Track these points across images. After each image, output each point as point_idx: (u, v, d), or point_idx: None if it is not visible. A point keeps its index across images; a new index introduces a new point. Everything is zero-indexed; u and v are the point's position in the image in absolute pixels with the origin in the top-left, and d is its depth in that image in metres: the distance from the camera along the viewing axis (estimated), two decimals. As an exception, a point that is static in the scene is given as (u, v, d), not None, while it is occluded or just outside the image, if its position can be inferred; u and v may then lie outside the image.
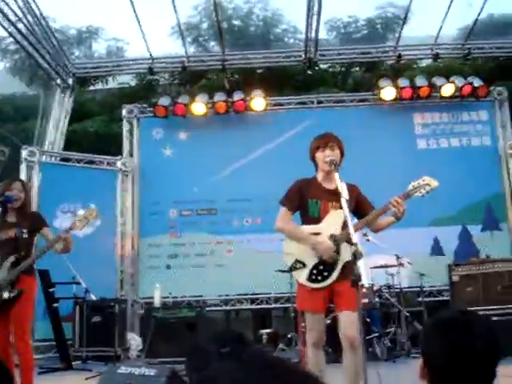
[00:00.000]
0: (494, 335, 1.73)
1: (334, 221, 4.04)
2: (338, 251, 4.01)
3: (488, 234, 9.61)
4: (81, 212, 4.88)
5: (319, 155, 4.19)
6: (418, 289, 8.47)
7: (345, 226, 3.85)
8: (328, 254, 3.98)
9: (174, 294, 9.03)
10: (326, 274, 4.01)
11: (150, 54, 10.31)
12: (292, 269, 4.11)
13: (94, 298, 7.40)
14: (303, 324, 7.55)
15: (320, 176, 4.25)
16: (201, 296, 9.47)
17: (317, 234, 4.07)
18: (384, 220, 4.19)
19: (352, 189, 4.18)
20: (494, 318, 6.64)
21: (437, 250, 9.57)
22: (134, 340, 7.96)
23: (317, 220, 4.11)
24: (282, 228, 4.22)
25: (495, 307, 6.79)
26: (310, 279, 4.02)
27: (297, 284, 4.18)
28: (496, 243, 9.46)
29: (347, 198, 3.96)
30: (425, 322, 1.93)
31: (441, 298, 9.19)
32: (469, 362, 1.61)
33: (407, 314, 7.76)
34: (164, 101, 9.87)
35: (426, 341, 1.70)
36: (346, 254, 3.92)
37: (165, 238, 9.76)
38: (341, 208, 3.87)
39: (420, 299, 8.56)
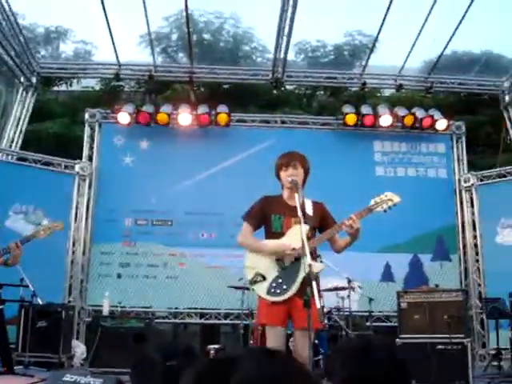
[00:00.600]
0: (394, 360, 1.72)
1: (296, 235, 4.08)
2: (298, 265, 4.05)
3: (438, 264, 9.82)
4: (45, 222, 4.84)
5: (282, 174, 4.27)
6: (367, 313, 8.58)
7: (307, 240, 3.91)
8: (288, 259, 4.04)
9: (122, 303, 8.91)
10: (285, 287, 4.05)
11: (118, 60, 10.23)
12: (252, 282, 4.14)
13: (40, 302, 7.21)
14: (251, 342, 7.56)
15: (285, 193, 4.33)
16: (150, 307, 9.37)
17: None
18: (342, 240, 4.26)
19: (317, 206, 4.26)
20: (440, 347, 6.79)
21: (387, 276, 9.72)
22: (79, 348, 7.80)
23: (279, 235, 4.18)
24: (244, 242, 4.27)
25: (441, 336, 6.92)
26: (269, 292, 4.06)
27: (257, 298, 4.20)
28: (445, 273, 9.69)
29: (311, 214, 4.02)
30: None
31: (389, 324, 9.32)
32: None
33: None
34: (128, 108, 9.80)
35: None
36: (305, 270, 3.96)
37: (118, 246, 9.64)
38: (304, 223, 3.93)
39: (368, 324, 8.66)
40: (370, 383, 1.59)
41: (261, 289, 4.11)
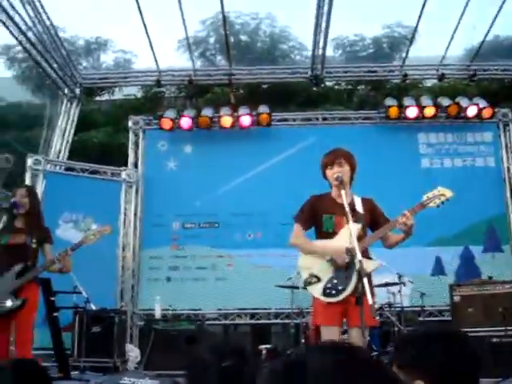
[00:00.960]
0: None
1: (348, 235, 4.04)
2: (352, 265, 4.01)
3: (490, 256, 9.59)
4: (94, 227, 4.93)
5: (328, 172, 4.24)
6: (419, 308, 8.45)
7: (360, 238, 3.88)
8: (341, 259, 4.00)
9: (173, 306, 9.00)
10: (340, 288, 4.02)
11: (158, 67, 10.36)
12: (307, 283, 4.13)
13: (94, 308, 7.37)
14: (303, 341, 7.54)
15: (333, 191, 4.29)
16: (200, 309, 9.45)
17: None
18: (396, 236, 4.21)
19: (367, 202, 4.22)
20: (495, 340, 6.62)
21: (438, 269, 9.54)
22: (133, 352, 7.92)
23: (331, 234, 4.15)
24: (295, 243, 4.26)
25: (496, 328, 6.75)
26: (324, 293, 4.04)
27: (312, 299, 4.19)
28: (498, 265, 9.44)
29: (361, 211, 3.99)
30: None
31: (441, 318, 9.15)
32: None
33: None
34: (170, 114, 9.90)
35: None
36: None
37: (166, 250, 9.75)
38: (355, 222, 3.89)
39: (421, 319, 8.53)
40: (463, 376, 1.57)
41: (316, 290, 4.09)
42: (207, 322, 8.94)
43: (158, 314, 7.71)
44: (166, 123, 9.84)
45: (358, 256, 3.65)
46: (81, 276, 7.31)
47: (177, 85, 12.71)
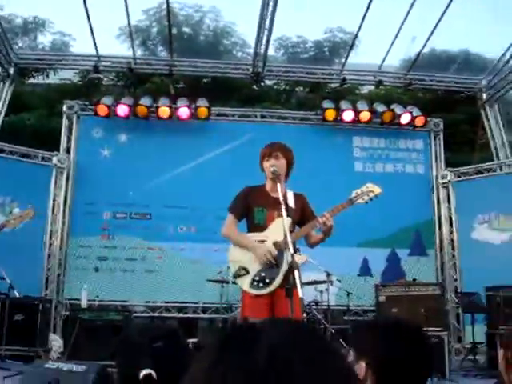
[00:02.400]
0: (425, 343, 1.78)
1: (278, 228, 4.09)
2: (280, 258, 4.06)
3: (415, 259, 9.93)
4: (17, 211, 4.77)
5: (265, 164, 4.25)
6: (345, 307, 8.64)
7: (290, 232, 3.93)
8: (264, 254, 4.02)
9: (100, 297, 8.84)
10: (267, 281, 4.05)
11: (97, 52, 10.14)
12: (235, 276, 4.14)
13: (17, 295, 7.13)
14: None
15: (268, 184, 4.32)
16: (128, 301, 9.32)
17: (262, 241, 4.13)
18: (316, 236, 4.29)
19: (299, 198, 4.27)
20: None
21: (365, 270, 9.80)
22: (56, 341, 7.71)
23: (262, 228, 4.18)
24: (228, 235, 4.27)
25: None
26: (252, 286, 4.06)
27: (241, 291, 4.20)
28: (422, 268, 9.81)
29: (293, 206, 4.03)
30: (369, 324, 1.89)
31: (366, 318, 9.39)
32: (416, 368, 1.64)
33: (333, 331, 7.88)
34: (107, 100, 9.71)
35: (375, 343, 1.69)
36: (288, 262, 3.97)
37: (96, 239, 9.56)
38: (287, 216, 3.93)
39: (346, 318, 8.73)
40: (403, 363, 1.61)
41: (244, 282, 4.11)
42: (134, 315, 8.82)
43: (84, 303, 7.54)
44: (102, 110, 9.64)
45: (291, 249, 3.69)
46: (5, 262, 7.07)
47: (115, 72, 12.49)
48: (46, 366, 2.65)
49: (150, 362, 1.77)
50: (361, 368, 1.60)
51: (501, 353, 1.94)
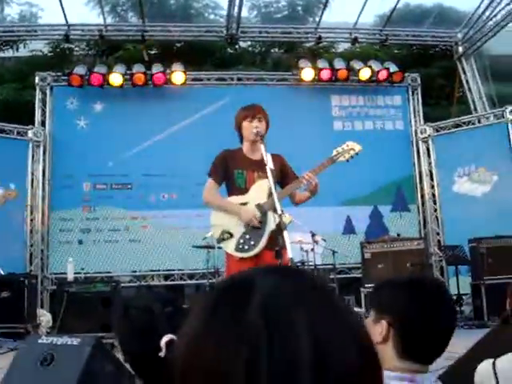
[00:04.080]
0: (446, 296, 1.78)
1: (259, 190, 4.06)
2: (264, 220, 4.04)
3: (397, 215, 10.02)
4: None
5: (246, 125, 4.18)
6: (331, 266, 8.72)
7: (270, 195, 3.90)
8: (251, 219, 4.00)
9: (86, 269, 8.81)
10: (252, 243, 4.02)
11: (67, 21, 9.87)
12: (219, 240, 4.10)
13: (2, 272, 7.07)
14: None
15: (245, 147, 4.26)
16: (113, 272, 9.30)
17: (244, 203, 4.09)
18: (302, 194, 4.27)
19: (277, 159, 4.22)
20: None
21: (349, 228, 9.87)
22: (45, 316, 7.69)
23: (243, 190, 4.13)
24: (209, 200, 4.22)
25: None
26: (237, 249, 4.03)
27: (225, 255, 4.19)
28: (405, 223, 9.92)
29: (272, 167, 4.00)
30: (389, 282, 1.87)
31: (352, 275, 9.50)
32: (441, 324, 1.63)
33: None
34: (80, 70, 9.49)
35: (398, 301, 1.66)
36: (272, 224, 3.95)
37: (77, 211, 9.46)
38: (266, 178, 3.89)
39: (332, 276, 8.81)
40: (427, 319, 1.59)
41: (229, 246, 4.08)
42: (123, 285, 8.81)
43: (70, 276, 7.49)
44: (76, 80, 9.43)
45: (279, 210, 3.67)
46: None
47: (87, 40, 12.18)
48: (40, 341, 2.61)
49: (168, 327, 1.73)
50: (382, 326, 1.59)
51: (508, 302, 1.99)
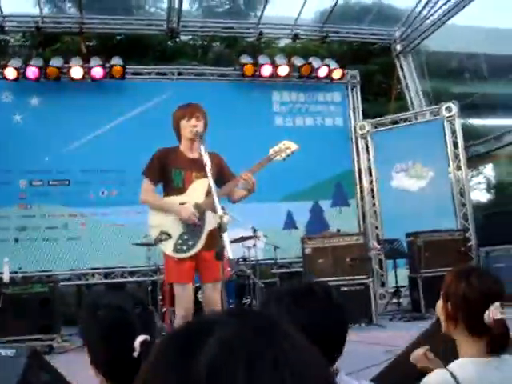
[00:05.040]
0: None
1: (198, 190, 4.06)
2: (202, 220, 4.03)
3: (337, 210, 10.18)
4: None
5: (184, 124, 4.16)
6: (272, 261, 8.79)
7: (207, 194, 3.89)
8: (190, 216, 3.98)
9: (23, 269, 8.57)
10: (191, 243, 4.02)
11: (1, 11, 9.53)
12: (157, 241, 4.07)
13: None
14: (160, 298, 7.54)
15: (183, 145, 4.24)
16: (51, 270, 9.08)
17: (182, 203, 4.07)
18: (239, 192, 4.28)
19: (214, 157, 4.21)
20: (344, 289, 7.10)
21: (290, 223, 9.97)
22: (-21, 317, 7.45)
23: (181, 190, 4.11)
24: (146, 200, 4.18)
25: (345, 278, 7.25)
26: (175, 249, 4.02)
27: (163, 256, 4.16)
28: (344, 218, 10.08)
29: (209, 166, 4.00)
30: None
31: (293, 270, 9.61)
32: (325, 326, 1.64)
33: (262, 286, 8.02)
34: (15, 62, 9.18)
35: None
36: (210, 223, 3.95)
37: (13, 209, 9.16)
38: (204, 177, 3.88)
39: (274, 271, 8.89)
40: (311, 324, 1.59)
41: (167, 247, 4.06)
42: (61, 284, 8.61)
43: (6, 277, 7.26)
44: (11, 72, 9.12)
45: (219, 210, 3.67)
46: None
47: (22, 32, 11.81)
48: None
49: (140, 327, 1.71)
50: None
51: (439, 304, 1.98)
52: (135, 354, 1.64)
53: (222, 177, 4.24)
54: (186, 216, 4.00)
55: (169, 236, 4.04)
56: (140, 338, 1.66)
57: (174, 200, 4.11)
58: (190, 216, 3.99)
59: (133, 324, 1.73)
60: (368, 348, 5.55)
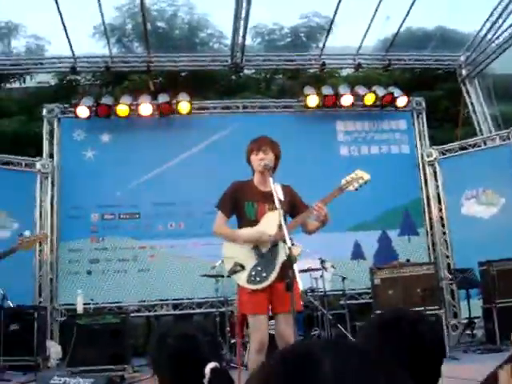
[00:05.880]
0: (439, 333, 1.77)
1: (270, 222, 4.08)
2: (275, 251, 4.05)
3: (406, 239, 9.97)
4: (27, 233, 4.75)
5: (253, 158, 4.23)
6: (341, 292, 8.67)
7: (280, 226, 3.91)
8: (262, 235, 4.02)
9: (95, 300, 8.80)
10: (264, 275, 4.03)
11: (73, 53, 10.01)
12: (231, 272, 4.11)
13: (11, 305, 7.06)
14: (228, 329, 7.56)
15: (256, 178, 4.29)
16: (122, 302, 9.27)
17: None
18: (313, 223, 4.26)
19: (286, 190, 4.24)
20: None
21: (357, 254, 9.83)
22: (54, 348, 7.68)
23: (254, 222, 4.15)
24: (219, 232, 4.24)
25: (415, 309, 7.04)
26: (249, 281, 4.04)
27: (237, 288, 4.19)
28: (413, 247, 9.86)
29: (282, 199, 4.01)
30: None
31: (362, 301, 9.44)
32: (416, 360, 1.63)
33: (330, 317, 7.91)
34: (86, 101, 9.59)
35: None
36: (282, 255, 3.96)
37: (86, 242, 9.47)
38: (276, 209, 3.92)
39: (342, 302, 8.76)
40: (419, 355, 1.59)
41: (241, 278, 4.09)
42: (132, 315, 8.78)
43: (79, 308, 7.48)
44: (83, 111, 9.52)
45: (288, 242, 3.68)
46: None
47: (93, 72, 12.34)
48: (52, 382, 2.60)
49: (210, 355, 1.76)
50: None
51: None
52: (205, 381, 1.67)
53: (295, 208, 4.25)
54: (257, 235, 4.03)
55: (242, 267, 4.07)
56: (210, 365, 1.69)
57: (246, 230, 4.15)
58: (261, 235, 4.03)
59: (202, 352, 1.77)
60: (443, 381, 5.34)
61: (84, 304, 8.08)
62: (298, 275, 3.56)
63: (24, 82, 12.67)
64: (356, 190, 4.26)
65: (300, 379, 0.65)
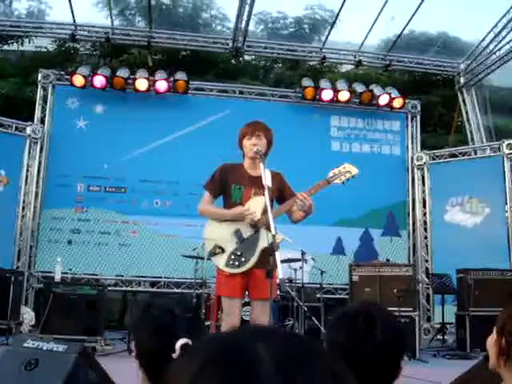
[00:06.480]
0: (396, 327, 1.80)
1: (254, 207, 4.07)
2: (257, 237, 4.05)
3: (388, 239, 10.05)
4: None
5: (245, 142, 4.21)
6: (318, 285, 8.72)
7: (265, 212, 3.91)
8: (250, 215, 4.02)
9: (73, 270, 8.78)
10: (243, 259, 4.04)
11: (74, 20, 9.91)
12: (211, 254, 4.12)
13: (-12, 266, 7.03)
14: (203, 311, 7.59)
15: (246, 163, 4.28)
16: (100, 274, 9.27)
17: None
18: (297, 213, 4.26)
19: (276, 176, 4.24)
20: (389, 319, 6.96)
21: (339, 249, 9.89)
22: (28, 314, 7.66)
23: (238, 205, 4.15)
24: (203, 210, 4.23)
25: (391, 309, 7.10)
26: (227, 264, 4.05)
27: (216, 270, 4.20)
28: (394, 248, 9.95)
29: (270, 185, 4.01)
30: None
31: (338, 296, 9.51)
32: (367, 352, 1.66)
33: (306, 309, 7.95)
34: (83, 70, 9.50)
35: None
36: (264, 241, 3.96)
37: (69, 211, 9.44)
38: (263, 195, 3.91)
39: (319, 295, 8.82)
40: (371, 348, 1.64)
41: (220, 261, 4.09)
42: (109, 288, 8.77)
43: (57, 276, 7.45)
44: (78, 80, 9.43)
45: (272, 229, 3.68)
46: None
47: (92, 41, 12.22)
48: (25, 344, 2.60)
49: (185, 331, 1.80)
50: None
51: (491, 339, 1.94)
52: (174, 356, 1.70)
53: (283, 196, 4.26)
54: (240, 211, 4.03)
55: (222, 250, 4.07)
56: (181, 341, 1.72)
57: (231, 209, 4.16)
58: (250, 213, 4.03)
59: (179, 327, 1.81)
60: (408, 381, 5.41)
61: (62, 273, 8.05)
62: (279, 263, 3.58)
63: (22, 44, 12.52)
64: (343, 183, 4.26)
65: (234, 365, 0.65)
